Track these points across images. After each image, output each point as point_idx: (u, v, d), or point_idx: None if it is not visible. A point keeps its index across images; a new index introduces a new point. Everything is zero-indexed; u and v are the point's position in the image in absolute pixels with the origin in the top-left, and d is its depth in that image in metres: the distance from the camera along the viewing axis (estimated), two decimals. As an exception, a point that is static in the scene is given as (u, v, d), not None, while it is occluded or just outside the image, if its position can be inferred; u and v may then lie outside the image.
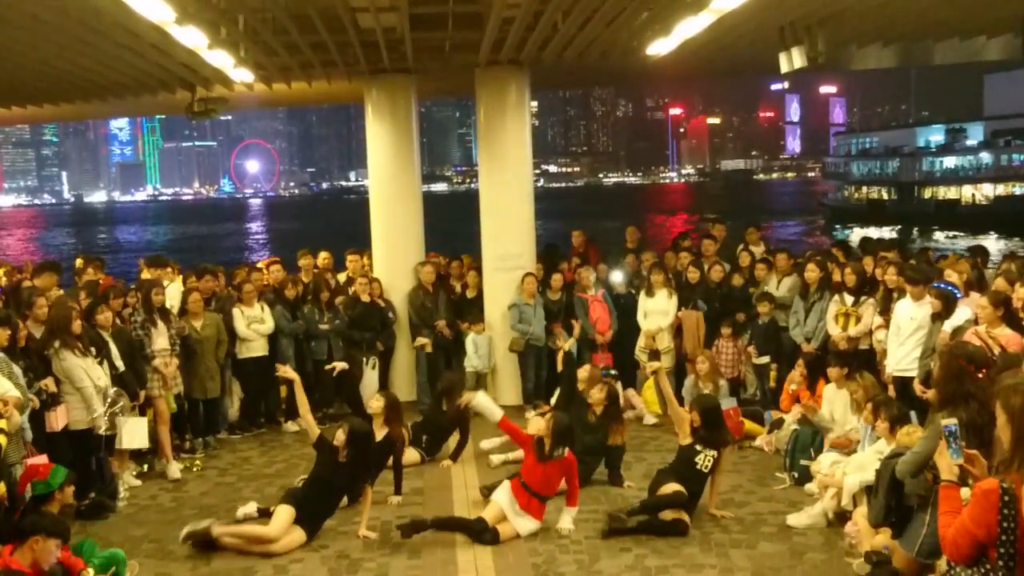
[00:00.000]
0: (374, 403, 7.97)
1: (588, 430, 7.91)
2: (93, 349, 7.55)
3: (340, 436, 6.88)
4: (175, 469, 8.51)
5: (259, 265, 11.90)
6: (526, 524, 6.80)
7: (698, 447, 7.00)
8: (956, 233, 53.06)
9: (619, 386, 9.89)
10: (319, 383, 10.24)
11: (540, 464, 6.85)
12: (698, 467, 6.98)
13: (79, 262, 10.99)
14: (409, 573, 6.25)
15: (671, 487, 6.87)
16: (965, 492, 3.80)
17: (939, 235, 53.70)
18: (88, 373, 7.35)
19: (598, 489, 7.83)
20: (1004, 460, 3.62)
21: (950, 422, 3.86)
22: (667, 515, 6.79)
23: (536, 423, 7.23)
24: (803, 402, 8.35)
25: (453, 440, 8.89)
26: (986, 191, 61.62)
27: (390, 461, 7.79)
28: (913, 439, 5.56)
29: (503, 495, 6.88)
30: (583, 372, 8.69)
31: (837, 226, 61.96)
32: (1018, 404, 3.58)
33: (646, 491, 7.19)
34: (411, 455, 8.57)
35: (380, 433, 7.71)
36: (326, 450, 6.98)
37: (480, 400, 7.70)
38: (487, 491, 7.45)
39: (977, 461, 3.81)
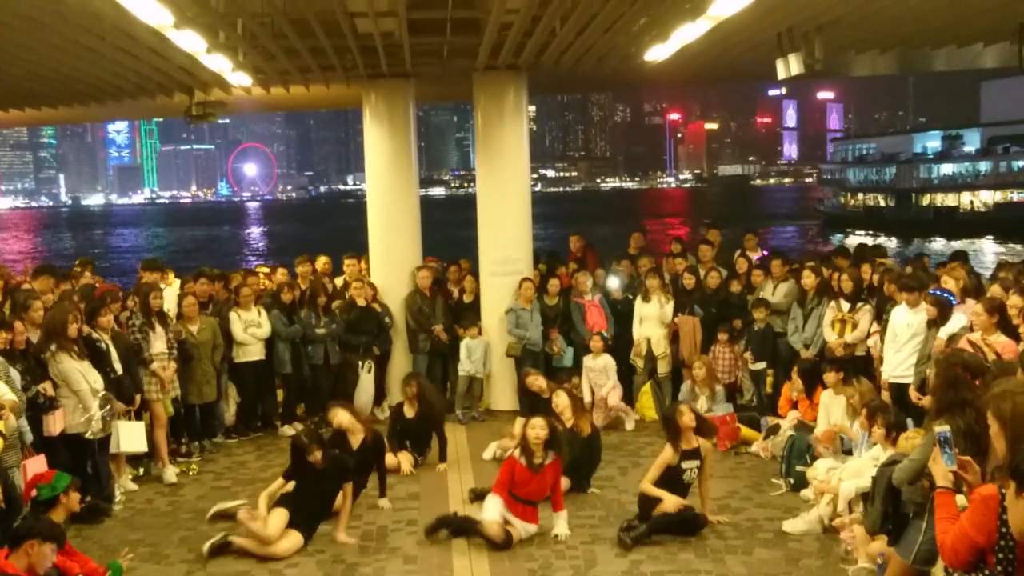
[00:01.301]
0: (335, 421, 7.71)
1: (568, 441, 7.81)
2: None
3: (317, 455, 6.85)
4: (171, 473, 8.49)
5: (263, 271, 11.89)
6: (525, 527, 6.83)
7: (684, 464, 6.99)
8: (967, 240, 52.94)
9: (612, 384, 9.95)
10: (315, 387, 10.25)
11: (534, 475, 6.84)
12: (685, 480, 7.01)
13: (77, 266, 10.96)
14: (405, 578, 6.26)
15: (671, 500, 6.83)
16: (960, 499, 3.80)
17: (938, 242, 53.67)
18: (84, 376, 7.33)
19: (593, 494, 7.83)
20: (999, 466, 3.62)
21: (943, 429, 3.86)
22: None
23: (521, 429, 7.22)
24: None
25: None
26: (984, 198, 61.66)
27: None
28: (912, 445, 5.56)
29: (495, 508, 6.80)
30: (561, 400, 8.16)
31: (839, 234, 61.81)
32: (1008, 410, 3.59)
33: (639, 495, 7.16)
34: (406, 458, 8.58)
35: (356, 441, 7.62)
36: (302, 470, 6.93)
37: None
38: (474, 495, 7.58)
39: (970, 468, 3.81)
